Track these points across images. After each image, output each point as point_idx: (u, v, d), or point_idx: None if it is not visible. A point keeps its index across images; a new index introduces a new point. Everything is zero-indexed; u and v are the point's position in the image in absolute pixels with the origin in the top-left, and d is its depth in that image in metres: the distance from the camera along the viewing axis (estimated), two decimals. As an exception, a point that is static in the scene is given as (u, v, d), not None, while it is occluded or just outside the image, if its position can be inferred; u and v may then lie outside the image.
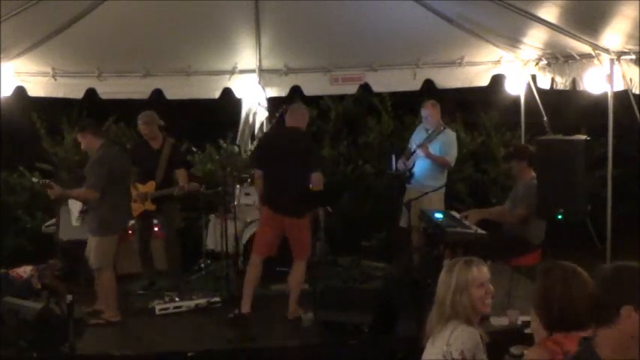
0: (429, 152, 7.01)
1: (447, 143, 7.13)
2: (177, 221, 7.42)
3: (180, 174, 7.15)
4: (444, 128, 7.19)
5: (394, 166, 7.34)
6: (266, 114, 8.33)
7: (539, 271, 2.94)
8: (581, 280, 2.81)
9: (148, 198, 7.01)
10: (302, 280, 6.28)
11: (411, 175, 7.05)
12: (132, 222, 7.62)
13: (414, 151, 7.12)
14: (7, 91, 7.43)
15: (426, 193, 6.74)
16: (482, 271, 3.31)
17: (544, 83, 7.42)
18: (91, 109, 8.54)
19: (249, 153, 8.77)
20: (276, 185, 6.20)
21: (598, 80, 6.12)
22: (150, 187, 7.04)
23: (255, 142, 8.01)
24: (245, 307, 6.12)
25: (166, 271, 7.25)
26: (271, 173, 6.21)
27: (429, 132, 7.15)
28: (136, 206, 7.04)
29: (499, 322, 5.47)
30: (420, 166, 7.08)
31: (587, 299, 2.77)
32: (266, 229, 6.28)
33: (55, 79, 7.75)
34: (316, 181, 6.09)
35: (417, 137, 7.31)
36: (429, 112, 7.16)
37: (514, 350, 4.28)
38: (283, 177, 6.11)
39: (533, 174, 6.31)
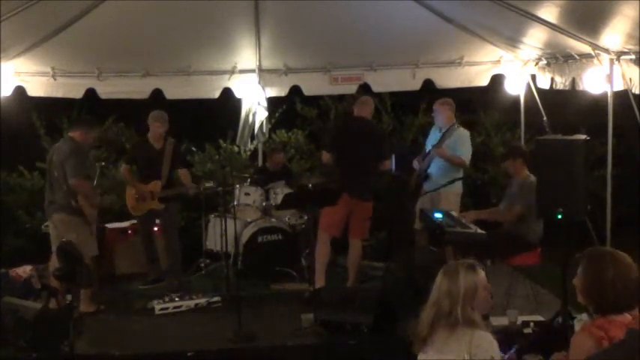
0: (444, 152, 6.93)
1: (457, 141, 6.99)
2: (177, 220, 7.44)
3: (183, 174, 7.22)
4: (457, 126, 7.04)
5: (394, 167, 7.32)
6: (266, 114, 8.32)
7: (587, 256, 2.97)
8: (627, 262, 2.90)
9: (155, 197, 7.02)
10: (359, 258, 6.85)
11: (427, 175, 7.01)
12: (133, 222, 7.65)
13: (429, 152, 7.08)
14: (7, 91, 7.42)
15: (434, 190, 6.75)
16: (482, 272, 3.24)
17: (544, 83, 7.42)
18: (91, 109, 8.53)
19: (249, 153, 8.80)
20: (349, 169, 6.69)
21: (598, 80, 6.12)
22: (156, 186, 7.03)
23: (329, 127, 8.78)
24: (319, 282, 6.43)
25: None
26: (344, 158, 6.74)
27: (442, 131, 7.11)
28: (142, 205, 7.06)
29: (499, 321, 5.46)
30: (435, 166, 7.03)
31: (635, 281, 2.86)
32: (337, 208, 6.47)
33: (55, 79, 7.74)
34: (387, 165, 6.86)
35: (431, 137, 7.27)
36: (437, 111, 7.14)
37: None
38: (356, 162, 6.65)
39: (528, 172, 6.32)
